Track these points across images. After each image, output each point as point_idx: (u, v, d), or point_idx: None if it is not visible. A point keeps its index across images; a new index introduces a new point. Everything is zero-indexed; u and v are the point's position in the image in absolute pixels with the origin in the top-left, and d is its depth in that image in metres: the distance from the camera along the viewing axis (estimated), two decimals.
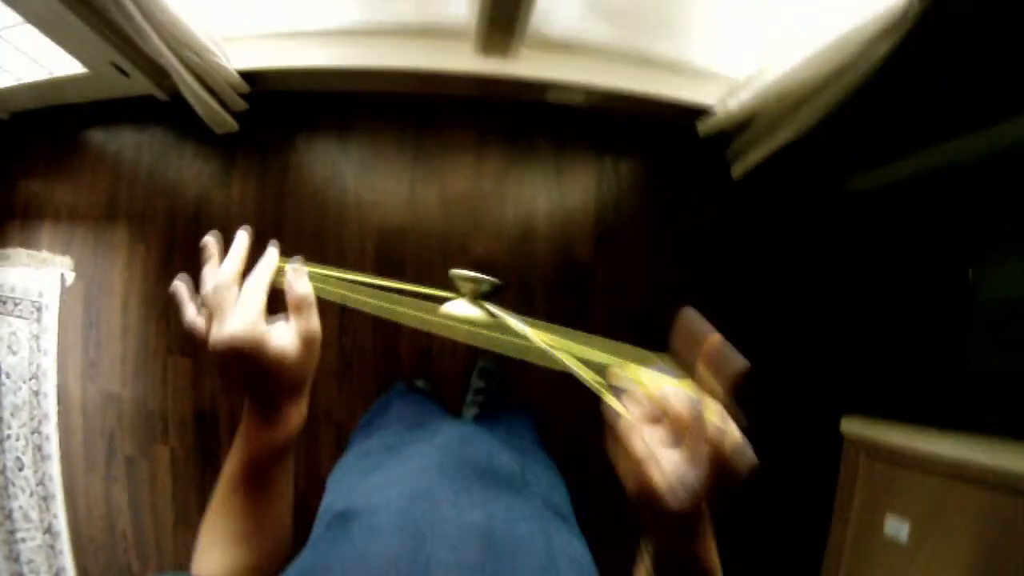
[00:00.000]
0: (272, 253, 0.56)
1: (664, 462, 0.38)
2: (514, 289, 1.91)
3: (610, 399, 0.44)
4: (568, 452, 1.10)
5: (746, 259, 1.99)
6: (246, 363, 0.49)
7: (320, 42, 1.73)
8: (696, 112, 1.81)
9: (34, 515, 1.94)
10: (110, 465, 1.91)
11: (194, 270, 1.88)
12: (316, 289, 0.56)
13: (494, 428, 0.88)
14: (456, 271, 0.62)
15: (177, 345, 1.90)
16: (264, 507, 0.54)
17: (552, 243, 1.92)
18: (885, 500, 1.72)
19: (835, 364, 1.97)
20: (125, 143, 1.98)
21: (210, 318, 0.50)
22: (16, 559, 1.93)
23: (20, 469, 1.94)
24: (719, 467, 0.36)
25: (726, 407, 0.39)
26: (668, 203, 1.99)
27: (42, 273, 1.98)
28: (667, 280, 1.95)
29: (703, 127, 1.85)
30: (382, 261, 1.89)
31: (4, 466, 1.95)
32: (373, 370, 1.88)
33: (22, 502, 1.93)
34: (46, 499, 1.93)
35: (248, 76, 1.75)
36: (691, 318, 0.44)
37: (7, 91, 1.95)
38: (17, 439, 1.95)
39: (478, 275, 0.62)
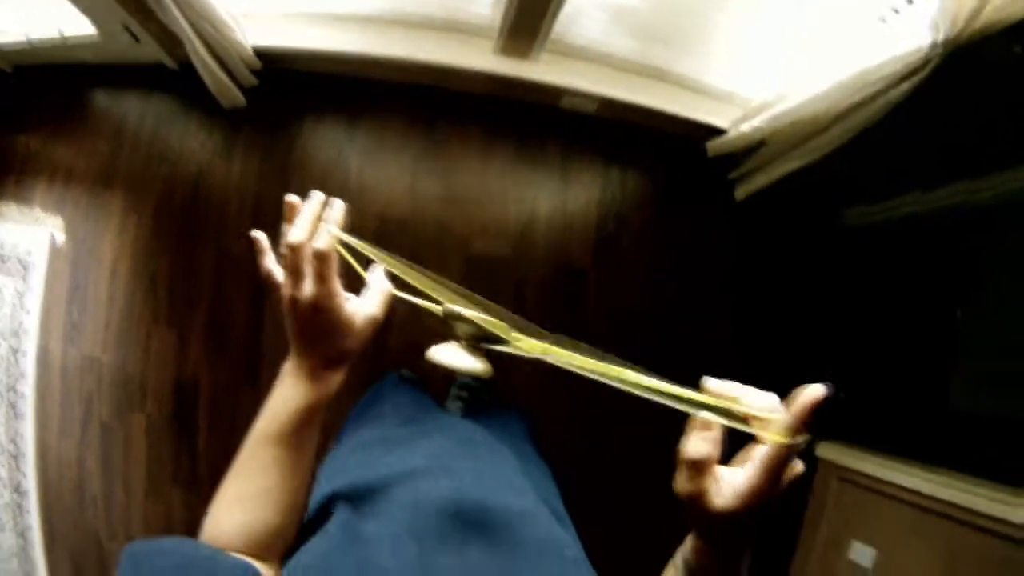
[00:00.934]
0: (339, 208, 0.57)
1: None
2: (508, 288, 1.90)
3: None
4: (555, 453, 1.10)
5: (740, 280, 2.01)
6: (317, 320, 0.53)
7: (339, 25, 1.71)
8: (707, 131, 1.82)
9: (3, 473, 1.91)
10: (85, 429, 1.89)
11: (185, 241, 1.88)
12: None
13: (489, 427, 0.89)
14: (450, 307, 0.53)
15: (163, 315, 1.88)
16: (292, 466, 0.55)
17: (551, 246, 1.92)
18: (853, 526, 1.75)
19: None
20: (129, 108, 1.95)
21: (289, 272, 0.53)
22: None
23: None
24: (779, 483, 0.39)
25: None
26: (669, 218, 1.99)
27: (32, 231, 1.94)
28: (661, 293, 1.96)
29: (712, 147, 1.86)
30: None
31: None
32: (360, 360, 1.86)
33: None
34: (16, 458, 1.91)
35: (262, 53, 1.73)
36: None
37: (14, 45, 1.91)
38: None
39: (476, 315, 0.52)
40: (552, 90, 1.77)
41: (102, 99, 1.98)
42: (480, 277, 1.90)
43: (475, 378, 1.72)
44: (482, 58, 1.72)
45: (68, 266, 1.91)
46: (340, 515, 0.55)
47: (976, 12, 1.15)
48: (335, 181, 1.89)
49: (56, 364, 1.90)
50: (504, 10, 1.55)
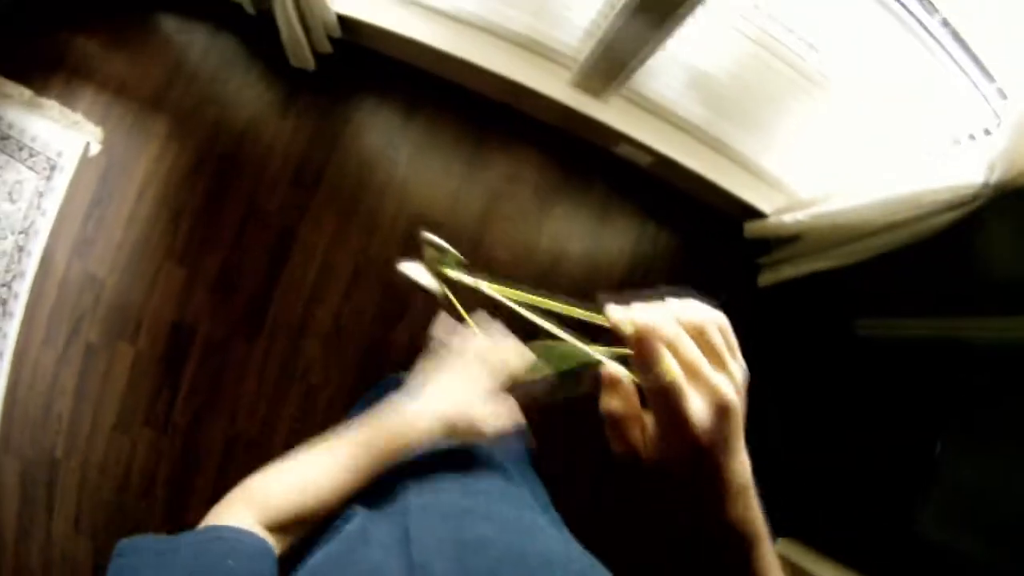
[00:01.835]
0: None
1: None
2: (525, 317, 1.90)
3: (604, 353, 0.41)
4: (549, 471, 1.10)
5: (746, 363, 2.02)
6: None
7: (427, 16, 1.72)
8: (749, 212, 1.85)
9: None
10: (69, 346, 1.85)
11: (219, 186, 1.86)
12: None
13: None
14: (426, 234, 0.62)
15: (177, 253, 1.86)
16: (365, 479, 0.57)
17: (573, 286, 1.93)
18: None
19: (789, 484, 2.01)
20: (195, 40, 1.93)
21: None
22: None
23: None
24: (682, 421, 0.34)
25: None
26: (691, 284, 2.00)
27: (69, 134, 1.91)
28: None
29: (751, 229, 1.88)
30: (406, 247, 1.87)
31: None
32: (361, 345, 1.86)
33: None
34: None
35: (345, 22, 1.73)
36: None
37: None
38: None
39: (445, 246, 0.62)
40: (613, 134, 1.79)
41: (171, 24, 1.95)
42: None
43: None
44: (556, 86, 1.73)
45: (96, 178, 1.89)
46: (353, 518, 0.54)
47: None
48: (381, 168, 1.89)
49: (58, 273, 1.87)
50: (591, 46, 1.57)
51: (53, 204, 1.90)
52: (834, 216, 1.62)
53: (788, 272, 1.88)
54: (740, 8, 1.47)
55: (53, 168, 1.91)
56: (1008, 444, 1.66)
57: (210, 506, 0.52)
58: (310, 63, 1.82)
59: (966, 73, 1.40)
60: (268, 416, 1.82)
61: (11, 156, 1.93)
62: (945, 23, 1.34)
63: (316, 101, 1.89)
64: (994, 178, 1.26)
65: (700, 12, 1.38)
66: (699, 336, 0.37)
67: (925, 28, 1.36)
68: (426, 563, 0.46)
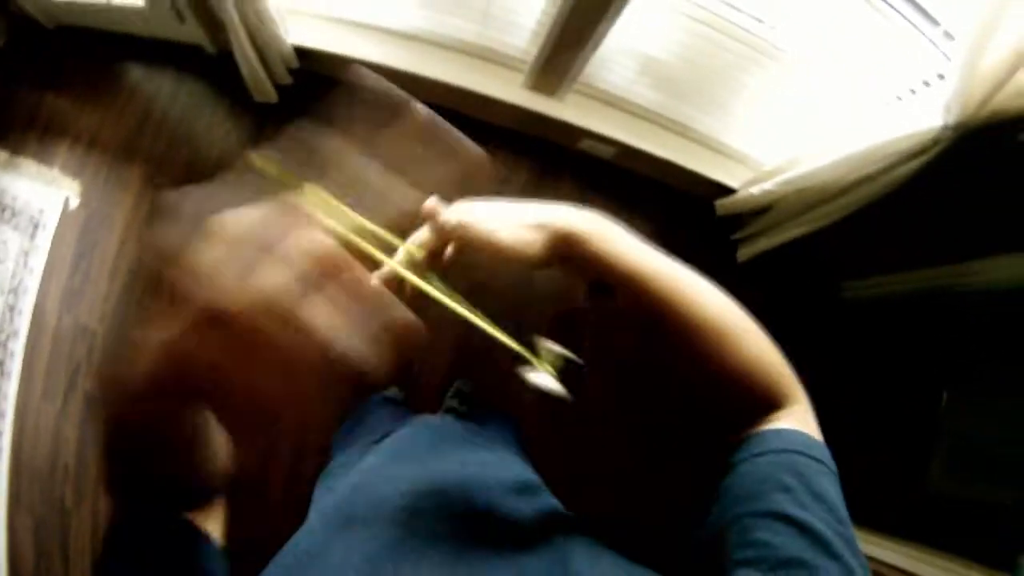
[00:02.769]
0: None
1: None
2: (505, 321, 1.92)
3: None
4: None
5: None
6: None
7: (378, 38, 1.76)
8: (718, 190, 1.87)
9: None
10: (68, 397, 1.88)
11: None
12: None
13: (472, 428, 0.91)
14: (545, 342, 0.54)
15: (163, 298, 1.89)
16: None
17: (551, 283, 1.95)
18: None
19: None
20: (162, 86, 1.98)
21: None
22: None
23: None
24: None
25: None
26: None
27: (48, 191, 1.96)
28: (654, 342, 1.99)
29: (721, 206, 1.90)
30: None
31: None
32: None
33: None
34: None
35: (301, 52, 1.78)
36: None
37: (60, 4, 1.95)
38: None
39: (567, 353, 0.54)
40: (573, 131, 1.82)
41: (136, 73, 2.01)
42: (481, 308, 1.92)
43: (459, 401, 1.74)
44: (510, 90, 1.77)
45: (77, 232, 1.93)
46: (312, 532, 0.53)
47: (987, 99, 1.21)
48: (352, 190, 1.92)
49: (50, 328, 1.90)
50: (539, 46, 1.60)
51: (39, 261, 1.94)
52: (800, 181, 1.64)
53: (764, 244, 1.90)
54: None
55: (36, 226, 1.95)
56: (1012, 387, 1.66)
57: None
58: (272, 96, 1.86)
59: (910, 21, 1.42)
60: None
61: None
62: None
63: (281, 132, 1.93)
64: (952, 119, 1.27)
65: None
66: None
67: None
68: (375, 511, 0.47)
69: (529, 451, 1.15)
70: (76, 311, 1.90)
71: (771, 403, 0.45)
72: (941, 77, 1.44)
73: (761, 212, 1.87)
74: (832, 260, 2.05)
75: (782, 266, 1.96)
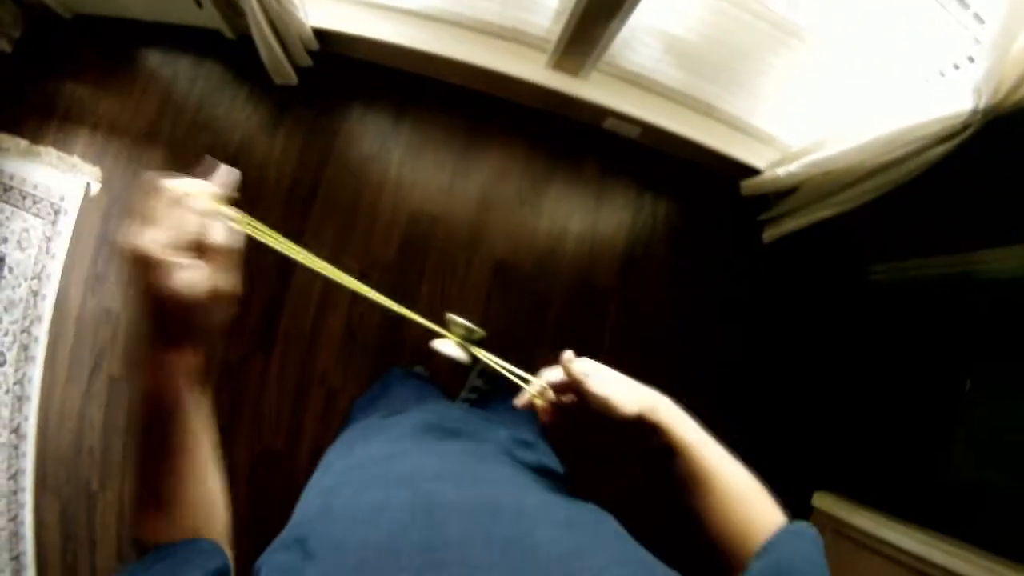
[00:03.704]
0: (223, 174, 0.48)
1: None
2: (530, 298, 1.92)
3: None
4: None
5: (758, 320, 2.03)
6: (144, 278, 0.42)
7: (399, 19, 1.74)
8: (744, 170, 1.84)
9: (5, 412, 1.91)
10: (92, 381, 1.89)
11: None
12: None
13: (482, 411, 0.91)
14: (452, 316, 0.70)
15: None
16: (170, 466, 0.48)
17: (576, 264, 1.94)
18: None
19: (819, 438, 2.01)
20: (180, 71, 1.98)
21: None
22: None
23: (1, 364, 1.92)
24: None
25: None
26: (695, 252, 2.02)
27: (69, 177, 1.96)
28: (679, 324, 1.98)
29: (747, 187, 1.88)
30: (408, 244, 1.90)
31: None
32: (376, 345, 1.88)
33: None
34: (20, 399, 1.91)
35: (321, 34, 1.76)
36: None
37: None
38: (5, 334, 1.93)
39: (469, 324, 0.70)
40: (598, 110, 1.80)
41: (155, 59, 2.00)
42: (506, 286, 1.92)
43: (483, 380, 1.74)
44: (534, 70, 1.75)
45: (99, 216, 1.93)
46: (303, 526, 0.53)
47: (1018, 84, 1.18)
48: (374, 170, 1.91)
49: (73, 312, 1.91)
50: (563, 26, 1.58)
51: (61, 247, 1.94)
52: (827, 163, 1.62)
53: (790, 225, 1.87)
54: None
55: (57, 212, 1.96)
56: None
57: (245, 524, 0.52)
58: (293, 78, 1.85)
59: (939, 2, 1.39)
60: (292, 425, 1.85)
61: (16, 206, 1.98)
62: None
63: (303, 115, 1.93)
64: (982, 103, 1.25)
65: None
66: None
67: None
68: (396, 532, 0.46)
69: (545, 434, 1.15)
70: (99, 295, 1.91)
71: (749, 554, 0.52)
72: (971, 60, 1.40)
73: (787, 193, 1.84)
74: (859, 243, 2.03)
75: (808, 247, 1.94)
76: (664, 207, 2.00)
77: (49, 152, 1.99)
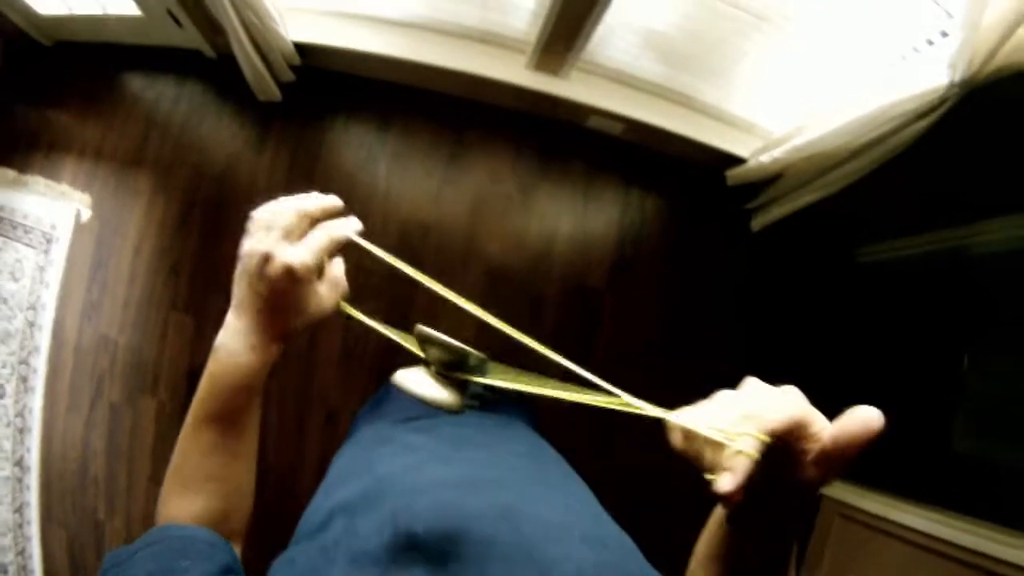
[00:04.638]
0: (354, 224, 0.55)
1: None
2: (524, 303, 1.93)
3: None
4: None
5: (752, 310, 2.04)
6: (287, 286, 0.50)
7: (379, 29, 1.75)
8: (728, 160, 1.86)
9: (7, 445, 1.91)
10: (94, 408, 1.89)
11: (211, 229, 1.91)
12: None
13: (492, 416, 0.91)
14: (422, 329, 0.47)
15: (181, 302, 1.90)
16: (235, 446, 0.53)
17: (569, 264, 1.95)
18: (854, 563, 1.76)
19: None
20: (163, 93, 1.98)
21: (284, 228, 0.51)
22: None
23: (1, 397, 1.92)
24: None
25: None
26: (686, 245, 2.03)
27: (58, 205, 1.97)
28: (674, 318, 1.99)
29: (732, 176, 1.89)
30: (400, 253, 1.88)
31: None
32: (373, 361, 1.88)
33: None
34: (22, 431, 1.91)
35: (302, 48, 1.77)
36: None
37: (56, 19, 1.95)
38: (3, 367, 1.93)
39: (453, 343, 0.46)
40: (580, 109, 1.82)
41: (137, 82, 2.01)
42: (499, 290, 1.93)
43: (485, 389, 1.74)
44: (514, 72, 1.76)
45: (91, 243, 1.93)
46: (340, 511, 0.54)
47: (992, 54, 1.19)
48: (363, 182, 1.92)
49: (71, 340, 1.91)
50: (540, 26, 1.59)
51: (55, 275, 1.94)
52: (809, 147, 1.63)
53: (777, 212, 1.89)
54: None
55: (49, 241, 1.96)
56: None
57: (252, 542, 0.53)
58: (276, 95, 1.85)
59: None
60: (295, 445, 1.85)
61: (7, 237, 1.98)
62: None
63: (289, 130, 1.93)
64: (958, 77, 1.26)
65: None
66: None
67: None
68: (413, 531, 0.46)
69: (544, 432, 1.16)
70: (96, 322, 1.91)
71: None
72: (944, 35, 1.42)
73: (772, 180, 1.86)
74: (847, 225, 2.04)
75: (797, 233, 1.95)
76: (652, 202, 2.01)
77: (37, 181, 1.99)
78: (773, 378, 0.44)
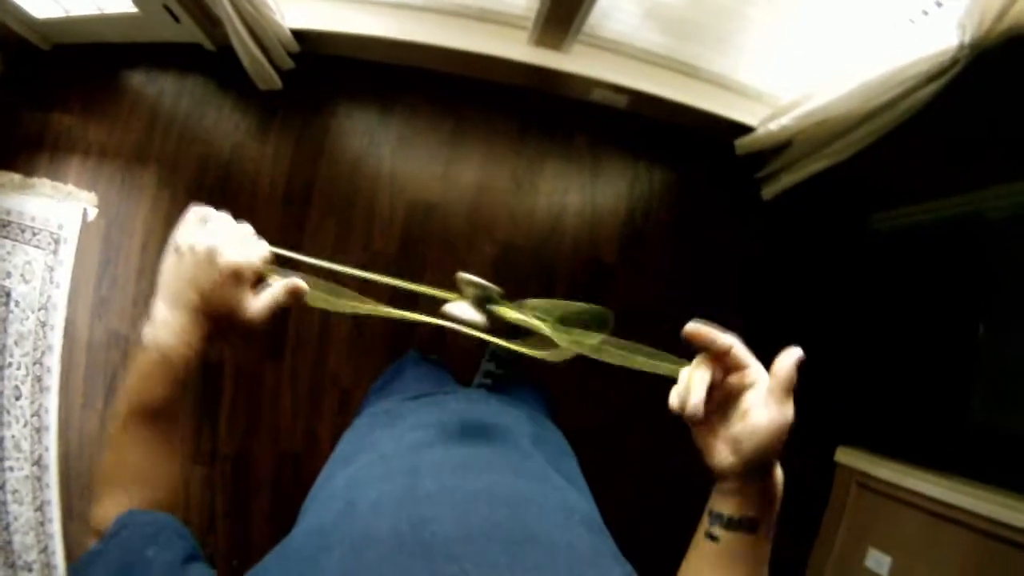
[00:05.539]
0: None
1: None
2: (536, 281, 1.92)
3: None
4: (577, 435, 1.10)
5: (764, 279, 2.01)
6: (229, 287, 0.53)
7: (376, 11, 1.74)
8: (736, 129, 1.83)
9: (25, 445, 1.92)
10: (108, 404, 1.90)
11: None
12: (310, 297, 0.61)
13: (501, 398, 0.90)
14: (463, 275, 0.64)
15: None
16: (168, 438, 0.53)
17: (578, 240, 1.93)
18: (870, 533, 1.75)
19: (837, 394, 1.99)
20: (165, 88, 1.98)
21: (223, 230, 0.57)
22: (1, 487, 1.92)
23: (17, 398, 1.93)
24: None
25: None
26: (696, 215, 2.01)
27: (64, 206, 1.97)
28: (686, 290, 1.97)
29: (741, 145, 1.86)
30: (408, 235, 1.90)
31: (1, 393, 1.93)
32: (384, 342, 1.88)
33: (15, 431, 1.92)
34: (39, 431, 1.92)
35: (300, 35, 1.76)
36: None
37: (53, 22, 1.95)
38: (18, 368, 1.94)
39: (484, 282, 0.63)
40: (584, 82, 1.79)
41: (137, 79, 2.00)
42: (510, 267, 1.91)
43: (495, 364, 1.74)
44: (516, 48, 1.74)
45: (99, 241, 1.94)
46: (336, 493, 0.55)
47: (1002, 13, 1.16)
48: (367, 166, 1.91)
49: (83, 338, 1.92)
50: (540, 1, 1.57)
51: (64, 275, 1.95)
52: (817, 113, 1.60)
53: (788, 180, 1.86)
54: None
55: (57, 241, 1.96)
56: None
57: (271, 527, 0.52)
58: (277, 83, 1.84)
59: None
60: (309, 427, 1.85)
61: (16, 240, 1.98)
62: None
63: (291, 118, 1.93)
64: (968, 37, 1.23)
65: None
66: None
67: None
68: (425, 516, 0.45)
69: (558, 417, 1.15)
70: (107, 318, 1.91)
71: None
72: None
73: (782, 148, 1.83)
74: (859, 192, 2.01)
75: (808, 201, 1.93)
76: (660, 174, 1.99)
77: (43, 183, 1.99)
78: (786, 347, 0.50)
